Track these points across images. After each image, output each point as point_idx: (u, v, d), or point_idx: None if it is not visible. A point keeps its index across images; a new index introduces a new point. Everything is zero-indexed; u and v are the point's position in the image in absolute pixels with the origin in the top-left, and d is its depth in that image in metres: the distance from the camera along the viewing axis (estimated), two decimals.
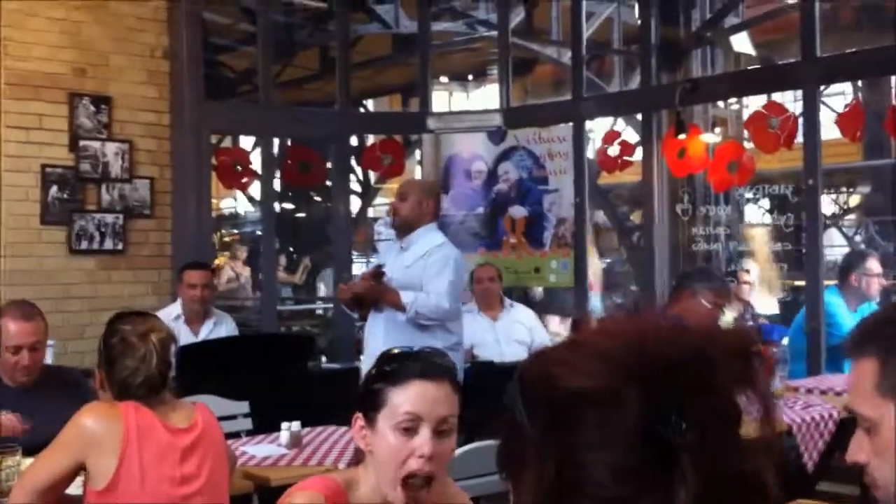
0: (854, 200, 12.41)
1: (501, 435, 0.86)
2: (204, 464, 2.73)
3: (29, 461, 2.91)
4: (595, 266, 9.04)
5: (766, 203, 7.89)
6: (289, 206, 10.22)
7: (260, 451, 3.61)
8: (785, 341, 6.28)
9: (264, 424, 4.09)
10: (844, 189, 12.34)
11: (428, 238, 4.65)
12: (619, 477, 0.74)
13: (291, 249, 10.48)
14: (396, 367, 1.95)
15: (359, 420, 1.97)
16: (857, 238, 11.13)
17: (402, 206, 4.64)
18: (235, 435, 3.99)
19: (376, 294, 4.57)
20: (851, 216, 12.18)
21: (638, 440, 0.75)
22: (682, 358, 0.78)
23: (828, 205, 11.59)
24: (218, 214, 9.46)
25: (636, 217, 10.57)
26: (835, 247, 10.66)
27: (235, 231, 10.39)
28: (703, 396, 0.76)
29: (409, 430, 1.89)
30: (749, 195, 7.05)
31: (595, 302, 7.91)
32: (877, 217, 10.88)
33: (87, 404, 2.73)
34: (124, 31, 6.04)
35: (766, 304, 7.63)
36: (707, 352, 0.78)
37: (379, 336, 4.58)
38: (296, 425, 3.62)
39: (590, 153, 7.23)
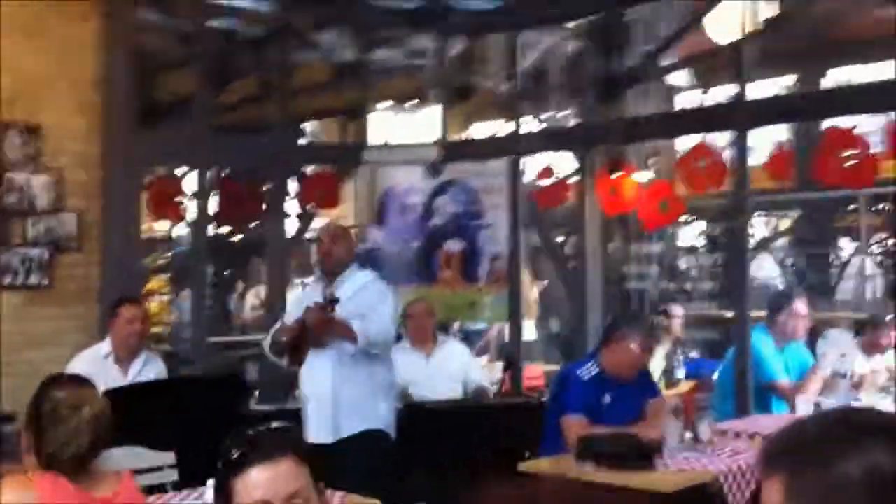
0: (785, 224, 12.57)
1: None
2: None
3: None
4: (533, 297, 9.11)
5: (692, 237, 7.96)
6: (224, 229, 10.07)
7: None
8: (715, 376, 6.38)
9: (192, 474, 4.02)
10: (776, 213, 12.48)
11: (359, 275, 4.76)
12: None
13: (226, 273, 10.36)
14: (236, 456, 1.94)
15: None
16: (788, 264, 11.29)
17: (336, 249, 4.72)
18: (161, 488, 3.92)
19: (329, 327, 4.44)
20: (782, 241, 12.32)
21: None
22: None
23: (759, 227, 11.74)
24: (149, 237, 9.29)
25: (572, 242, 10.63)
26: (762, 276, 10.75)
27: (169, 254, 10.20)
28: None
29: None
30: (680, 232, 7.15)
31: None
32: (807, 245, 11.02)
33: (2, 479, 2.66)
34: (56, 60, 5.93)
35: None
36: None
37: (326, 373, 4.56)
38: None
39: (526, 180, 7.26)
